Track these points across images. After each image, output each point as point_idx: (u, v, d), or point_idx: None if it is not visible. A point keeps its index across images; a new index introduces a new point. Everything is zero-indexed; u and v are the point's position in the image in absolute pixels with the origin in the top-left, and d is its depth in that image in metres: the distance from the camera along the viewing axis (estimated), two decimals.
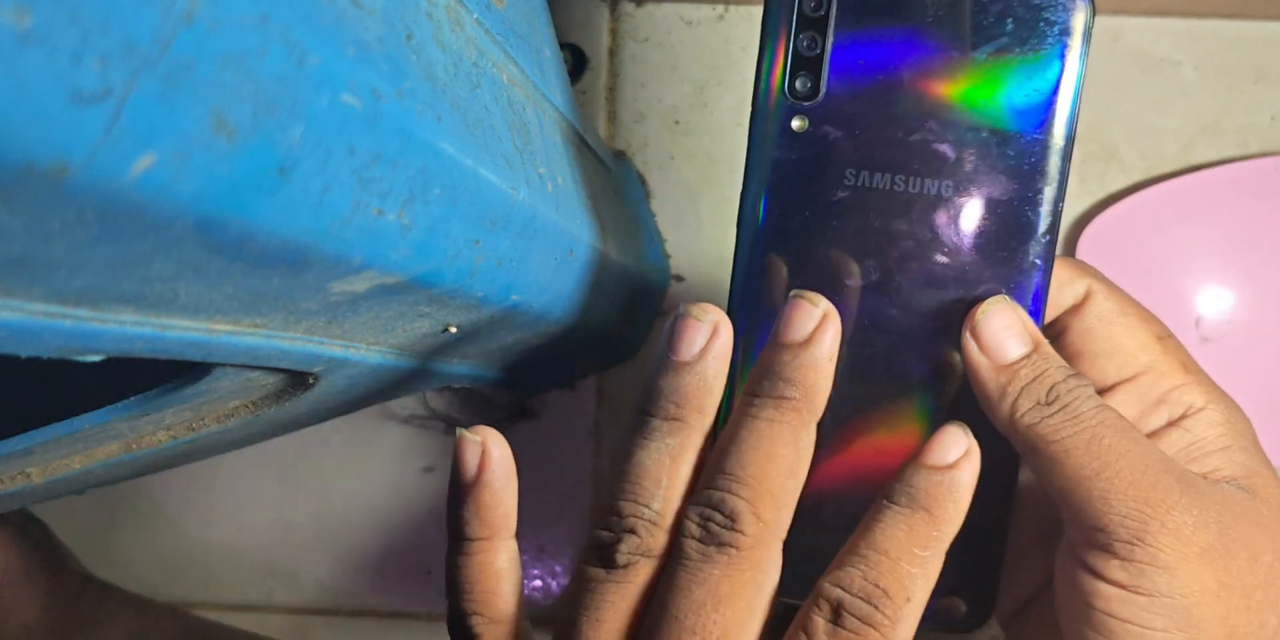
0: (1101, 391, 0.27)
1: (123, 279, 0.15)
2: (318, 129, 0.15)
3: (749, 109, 0.25)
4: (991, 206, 0.25)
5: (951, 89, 0.24)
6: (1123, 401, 0.27)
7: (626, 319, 0.45)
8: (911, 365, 0.26)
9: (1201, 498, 0.23)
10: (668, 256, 0.50)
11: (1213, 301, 0.48)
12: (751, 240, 0.25)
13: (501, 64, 0.26)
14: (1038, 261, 0.25)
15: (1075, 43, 0.24)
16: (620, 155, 0.49)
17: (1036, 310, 0.26)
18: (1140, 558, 0.23)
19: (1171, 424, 0.26)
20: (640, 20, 0.49)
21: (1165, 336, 0.27)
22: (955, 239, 0.25)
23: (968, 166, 0.24)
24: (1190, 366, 0.27)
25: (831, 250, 0.25)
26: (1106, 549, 0.23)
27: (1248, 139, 0.49)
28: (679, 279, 0.50)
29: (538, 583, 0.51)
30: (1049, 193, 0.25)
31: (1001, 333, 0.25)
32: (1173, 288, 0.48)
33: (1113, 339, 0.27)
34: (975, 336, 0.25)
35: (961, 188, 0.25)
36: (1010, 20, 0.24)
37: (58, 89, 0.11)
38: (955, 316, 0.25)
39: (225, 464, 0.52)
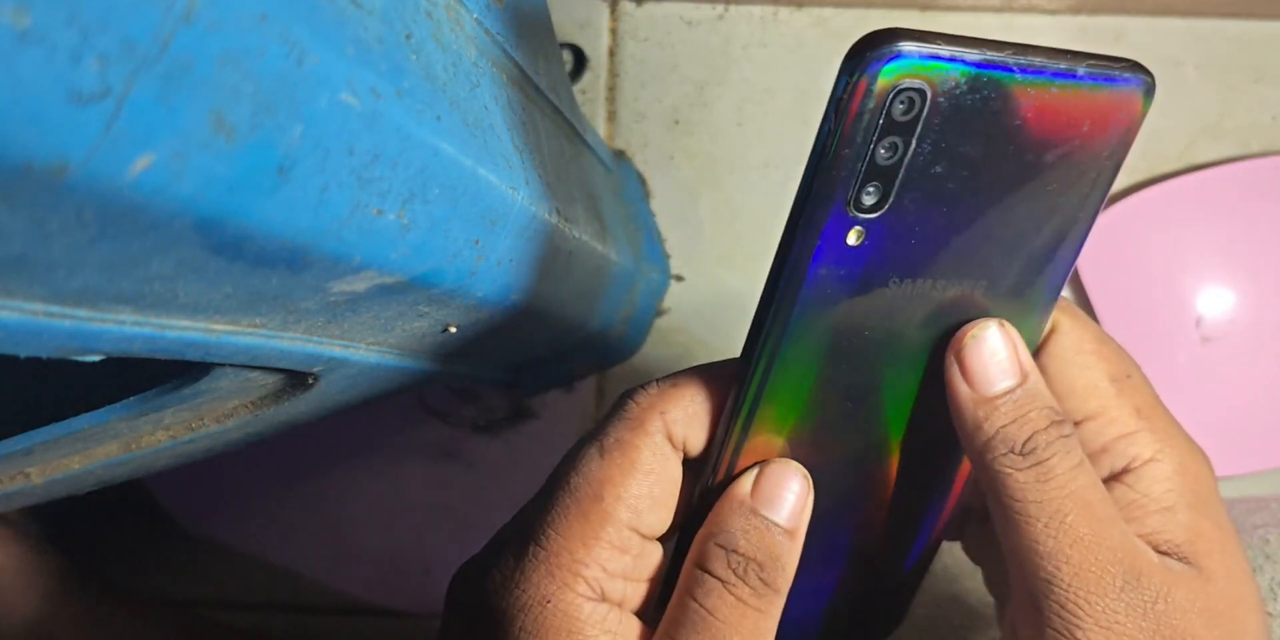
0: None
1: (122, 279, 0.15)
2: (317, 129, 0.15)
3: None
4: (1010, 295, 0.24)
5: (1014, 201, 0.22)
6: None
7: (626, 319, 0.45)
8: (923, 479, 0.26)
9: (1143, 591, 0.23)
10: (668, 256, 0.50)
11: (1213, 301, 0.48)
12: (778, 340, 0.22)
13: (501, 64, 0.26)
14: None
15: (1128, 149, 0.23)
16: (620, 155, 0.49)
17: None
18: None
19: (1114, 478, 0.25)
20: (640, 20, 0.49)
21: (1123, 377, 0.26)
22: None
23: (1009, 279, 0.23)
24: (1146, 411, 0.25)
25: (855, 356, 0.23)
26: (1038, 631, 0.23)
27: (1249, 139, 0.49)
28: (679, 279, 0.50)
29: None
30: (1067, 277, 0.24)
31: (988, 360, 0.23)
32: (1173, 288, 0.48)
33: (1063, 380, 0.25)
34: (959, 360, 0.23)
35: (994, 300, 0.24)
36: (1079, 136, 0.22)
37: (57, 89, 0.11)
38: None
39: (225, 463, 0.52)
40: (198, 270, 0.16)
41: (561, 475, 0.23)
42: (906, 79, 0.19)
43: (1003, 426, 0.23)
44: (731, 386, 0.23)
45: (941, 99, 0.20)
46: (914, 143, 0.20)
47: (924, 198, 0.21)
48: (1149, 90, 0.22)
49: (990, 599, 0.30)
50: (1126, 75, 0.22)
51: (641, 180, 0.49)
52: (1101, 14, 0.48)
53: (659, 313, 0.50)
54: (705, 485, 0.24)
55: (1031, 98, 0.21)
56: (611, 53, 0.49)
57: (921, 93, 0.20)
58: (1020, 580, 0.23)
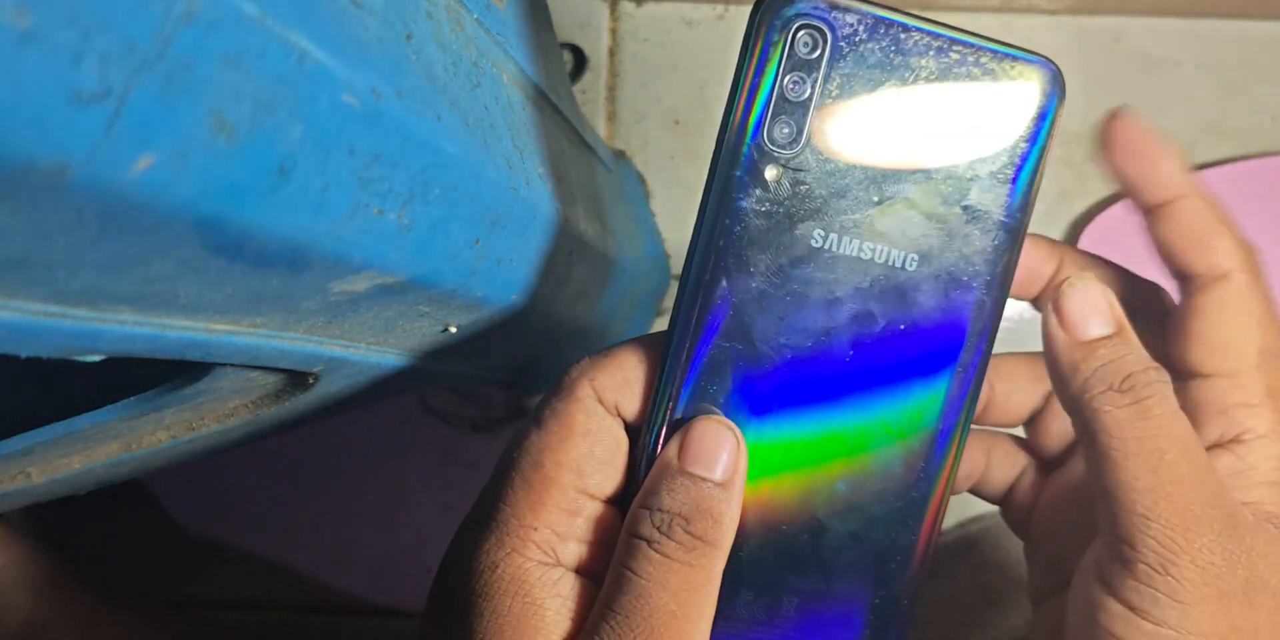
0: (1174, 376, 0.25)
1: (123, 279, 0.15)
2: (317, 129, 0.15)
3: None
4: (950, 283, 0.24)
5: (932, 158, 0.23)
6: (1187, 397, 0.25)
7: (626, 318, 0.45)
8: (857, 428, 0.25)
9: (1240, 539, 0.23)
10: (667, 256, 0.50)
11: None
12: (701, 291, 0.23)
13: (501, 64, 0.26)
14: (983, 341, 0.24)
15: (1046, 130, 0.23)
16: (620, 155, 0.49)
17: (970, 379, 0.24)
18: (1160, 587, 0.22)
19: (1223, 445, 0.25)
20: (640, 20, 0.49)
21: (1273, 354, 0.25)
22: (912, 312, 0.24)
23: (935, 241, 0.23)
24: (1277, 391, 0.25)
25: (783, 309, 0.23)
26: (1129, 567, 0.23)
27: (1249, 139, 0.49)
28: (679, 279, 0.50)
29: None
30: (1003, 276, 0.24)
31: (1084, 308, 0.24)
32: (1173, 287, 0.48)
33: (1214, 332, 0.25)
34: (1056, 309, 0.24)
35: (925, 262, 0.24)
36: (989, 97, 0.23)
37: (57, 89, 0.11)
38: (902, 386, 0.24)
39: (226, 463, 0.52)
40: (198, 270, 0.16)
41: (505, 454, 0.24)
42: (806, 16, 0.22)
43: (1100, 366, 0.23)
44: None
45: (843, 43, 0.22)
46: (820, 81, 0.22)
47: (838, 144, 0.22)
48: (1056, 78, 0.23)
49: (990, 597, 0.30)
50: (1029, 54, 0.23)
51: (641, 180, 0.49)
52: (1101, 14, 0.48)
53: (659, 313, 0.50)
54: (640, 456, 0.24)
55: (932, 55, 0.22)
56: (611, 53, 0.49)
57: (821, 31, 0.22)
58: (1111, 520, 0.23)
